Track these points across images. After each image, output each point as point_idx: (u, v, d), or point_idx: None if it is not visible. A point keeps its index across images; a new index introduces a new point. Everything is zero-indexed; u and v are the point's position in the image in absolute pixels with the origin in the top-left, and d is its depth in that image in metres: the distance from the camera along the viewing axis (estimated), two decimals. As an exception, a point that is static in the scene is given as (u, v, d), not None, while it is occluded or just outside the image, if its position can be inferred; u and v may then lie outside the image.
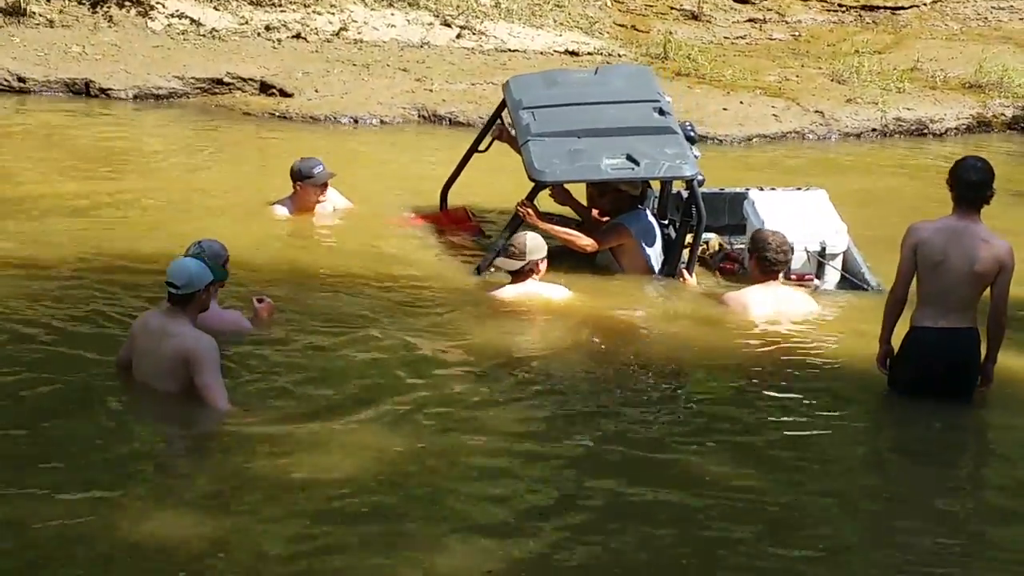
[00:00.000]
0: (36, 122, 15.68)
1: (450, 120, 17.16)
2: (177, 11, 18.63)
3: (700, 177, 11.10)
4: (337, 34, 18.77)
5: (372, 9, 19.55)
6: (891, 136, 18.23)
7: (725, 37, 21.02)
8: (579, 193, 12.04)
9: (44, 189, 12.85)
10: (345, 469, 7.61)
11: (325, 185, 12.30)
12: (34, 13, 17.89)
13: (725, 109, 17.81)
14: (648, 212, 11.58)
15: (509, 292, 10.52)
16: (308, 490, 7.32)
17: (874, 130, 18.06)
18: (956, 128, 18.57)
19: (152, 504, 7.12)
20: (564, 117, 11.56)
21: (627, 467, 7.94)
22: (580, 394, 9.08)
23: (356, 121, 16.91)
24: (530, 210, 10.95)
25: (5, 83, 16.84)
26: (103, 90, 16.81)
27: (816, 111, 18.11)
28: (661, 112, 11.59)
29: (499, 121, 12.19)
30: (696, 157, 11.13)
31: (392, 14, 19.53)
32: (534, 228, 11.08)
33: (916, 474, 8.45)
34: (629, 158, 11.05)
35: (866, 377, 9.23)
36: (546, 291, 10.57)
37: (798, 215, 11.44)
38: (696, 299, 11.02)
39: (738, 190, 12.38)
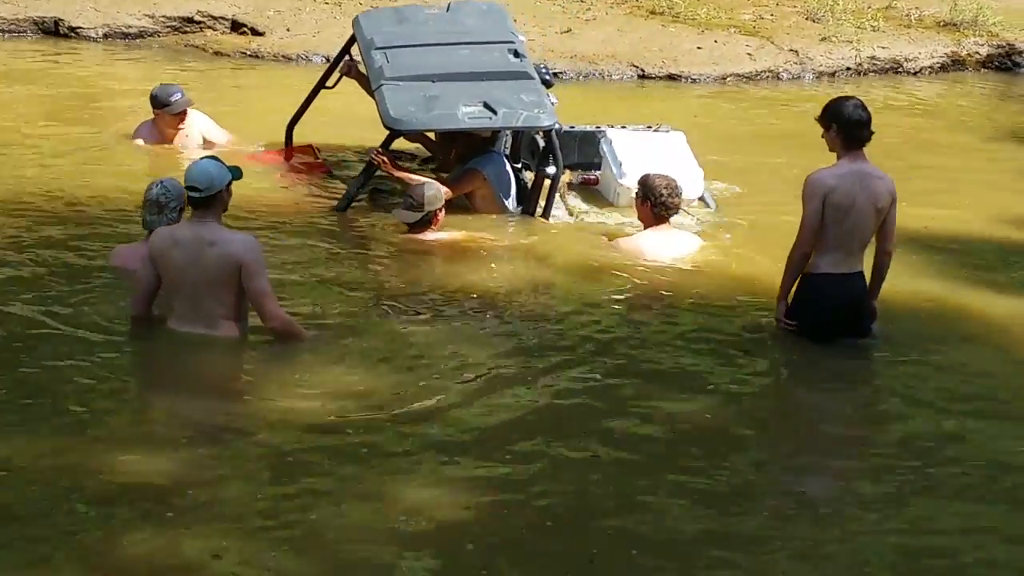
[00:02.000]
0: (4, 63, 15.67)
1: None
2: None
3: (558, 126, 11.17)
4: None
5: None
6: (866, 75, 18.35)
7: None
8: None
9: (13, 133, 12.88)
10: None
11: (183, 114, 12.16)
12: None
13: (699, 48, 17.89)
14: (502, 155, 11.66)
15: (429, 238, 10.63)
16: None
17: (848, 69, 18.25)
18: (931, 67, 18.79)
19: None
20: (418, 59, 11.51)
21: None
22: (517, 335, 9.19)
23: (328, 60, 16.31)
24: (384, 158, 11.01)
25: None
26: (72, 28, 16.73)
27: (791, 50, 18.22)
28: (516, 55, 11.62)
29: (347, 57, 12.16)
30: (553, 103, 11.17)
31: None
32: (388, 175, 11.21)
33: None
34: (486, 106, 11.04)
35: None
36: (447, 238, 10.70)
37: (655, 158, 11.55)
38: (591, 243, 11.10)
39: (590, 128, 12.48)
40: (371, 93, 11.25)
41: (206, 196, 8.10)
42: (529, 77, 11.32)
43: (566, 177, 11.77)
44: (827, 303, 8.67)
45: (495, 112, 10.91)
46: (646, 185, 10.69)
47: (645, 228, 10.73)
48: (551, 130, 10.98)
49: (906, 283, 9.97)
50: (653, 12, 19.01)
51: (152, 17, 17.30)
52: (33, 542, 6.18)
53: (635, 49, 17.90)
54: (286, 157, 12.21)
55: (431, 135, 11.85)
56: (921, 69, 18.63)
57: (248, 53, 17.00)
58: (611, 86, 17.30)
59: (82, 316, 8.69)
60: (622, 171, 11.49)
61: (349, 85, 12.02)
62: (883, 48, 18.57)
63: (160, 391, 8.28)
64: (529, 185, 11.39)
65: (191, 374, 8.41)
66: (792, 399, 8.91)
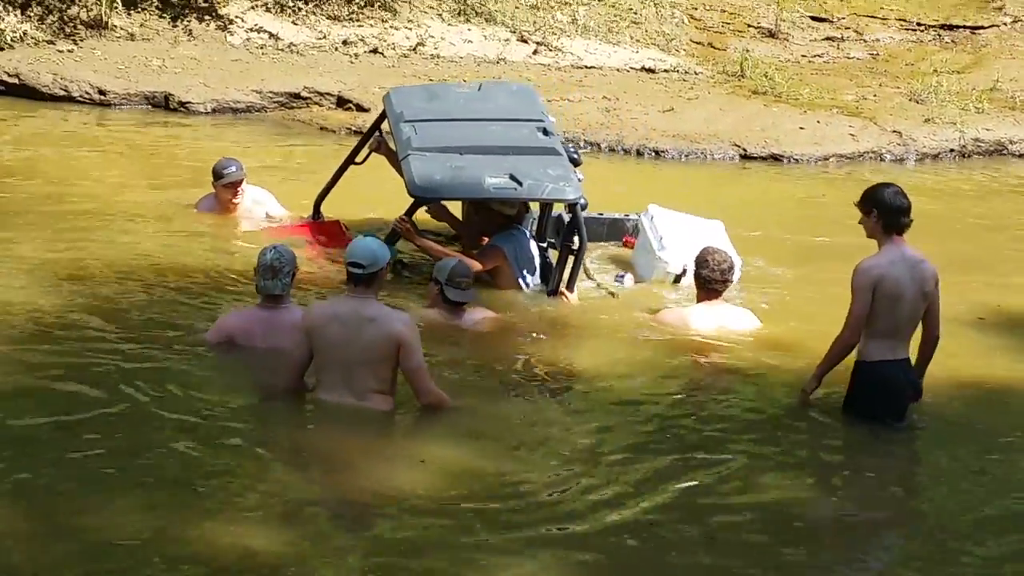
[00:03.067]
0: (116, 135, 15.84)
1: None
2: (256, 25, 18.79)
3: (583, 201, 11.16)
4: (414, 49, 18.84)
5: (449, 25, 19.55)
6: (969, 157, 18.12)
7: (803, 55, 21.01)
8: (456, 211, 12.12)
9: (123, 198, 13.02)
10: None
11: (236, 185, 12.25)
12: (115, 26, 18.07)
13: (802, 128, 17.76)
14: (525, 233, 11.58)
15: (470, 320, 10.53)
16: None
17: (952, 150, 18.00)
18: None
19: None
20: (446, 132, 11.47)
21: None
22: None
23: None
24: (408, 226, 10.89)
25: (86, 96, 17.01)
26: (182, 103, 16.89)
27: (894, 131, 18.04)
28: (545, 132, 11.56)
29: (377, 133, 12.10)
30: (580, 180, 11.13)
31: (469, 30, 19.53)
32: (411, 243, 11.11)
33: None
34: (512, 178, 10.95)
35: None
36: (485, 317, 10.62)
37: (693, 237, 11.55)
38: (636, 315, 11.05)
39: (618, 215, 12.48)
40: (399, 169, 11.28)
41: (368, 273, 8.22)
42: (557, 153, 11.31)
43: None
44: (894, 390, 8.66)
45: (520, 183, 10.86)
46: (696, 258, 10.73)
47: (698, 301, 10.75)
48: (576, 204, 10.95)
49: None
50: (755, 92, 18.95)
51: (260, 93, 17.41)
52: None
53: (737, 129, 17.81)
54: (311, 230, 12.22)
55: (457, 214, 11.91)
56: (1029, 151, 18.45)
57: (353, 129, 16.86)
58: (713, 166, 17.25)
59: (200, 383, 8.83)
60: (662, 245, 11.55)
61: (378, 160, 12.08)
62: (987, 130, 18.35)
63: (294, 462, 8.37)
64: (554, 263, 11.38)
65: (332, 446, 8.48)
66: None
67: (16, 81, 17.10)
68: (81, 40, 17.86)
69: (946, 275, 9.62)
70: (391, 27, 19.16)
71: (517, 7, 20.56)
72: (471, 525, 7.29)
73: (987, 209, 15.66)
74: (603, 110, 17.77)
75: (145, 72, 17.15)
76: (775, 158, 17.29)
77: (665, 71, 19.40)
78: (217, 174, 12.15)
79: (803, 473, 8.50)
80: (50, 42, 17.69)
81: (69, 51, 17.62)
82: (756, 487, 8.14)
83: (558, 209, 11.77)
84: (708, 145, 17.36)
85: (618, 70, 19.38)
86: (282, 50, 18.47)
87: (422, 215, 11.42)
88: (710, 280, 10.63)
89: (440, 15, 19.87)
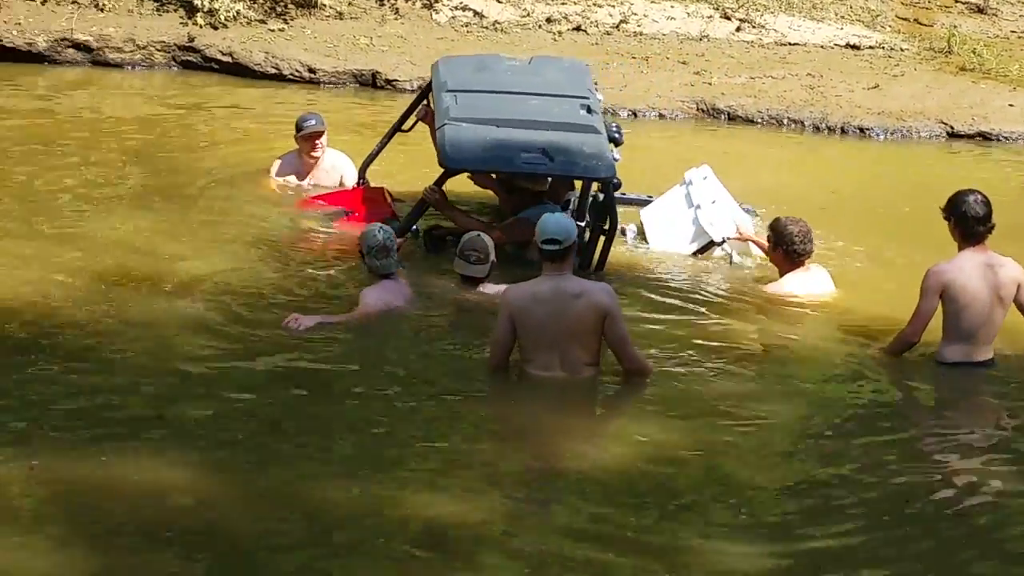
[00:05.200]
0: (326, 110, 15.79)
1: (728, 114, 17.16)
2: (461, 4, 18.96)
3: (616, 181, 11.09)
4: (617, 27, 18.89)
5: (652, 2, 19.49)
6: None
7: (1012, 31, 20.64)
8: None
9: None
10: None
11: (314, 138, 12.36)
12: (325, 5, 18.41)
13: (1011, 105, 17.56)
14: (558, 208, 11.21)
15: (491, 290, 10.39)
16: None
17: None
18: None
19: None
20: (487, 104, 11.42)
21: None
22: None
23: (635, 114, 16.95)
24: (437, 196, 10.98)
25: (296, 74, 17.33)
26: (388, 81, 17.11)
27: None
28: (588, 110, 11.44)
29: (425, 102, 12.05)
30: (616, 160, 11.04)
31: (672, 7, 19.50)
32: (439, 212, 11.13)
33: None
34: (544, 153, 10.86)
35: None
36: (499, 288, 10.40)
37: (733, 213, 11.81)
38: (736, 289, 11.19)
39: (641, 196, 12.50)
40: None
41: (565, 248, 8.41)
42: (596, 131, 11.22)
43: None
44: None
45: (552, 159, 10.80)
46: (778, 233, 10.83)
47: (780, 274, 10.89)
48: (608, 184, 10.91)
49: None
50: (963, 68, 18.82)
51: None
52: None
53: (944, 106, 17.72)
54: (357, 198, 12.27)
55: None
56: None
57: None
58: (919, 144, 17.20)
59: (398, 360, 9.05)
60: (709, 209, 11.70)
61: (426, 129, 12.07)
62: None
63: (509, 437, 8.55)
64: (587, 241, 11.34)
65: (552, 421, 8.68)
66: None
67: (230, 59, 17.51)
68: (292, 19, 18.21)
69: None
70: (594, 4, 19.23)
71: None
72: (671, 512, 7.34)
73: None
74: (807, 87, 17.80)
75: (353, 50, 17.45)
76: (983, 136, 17.10)
77: (870, 47, 19.33)
78: (298, 126, 12.38)
79: None
80: (262, 21, 18.05)
81: (280, 30, 17.98)
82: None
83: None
84: (914, 123, 17.26)
85: (822, 47, 19.32)
86: (486, 28, 18.57)
87: (463, 183, 11.58)
88: (802, 252, 10.77)
89: None
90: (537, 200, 11.32)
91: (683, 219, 11.84)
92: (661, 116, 17.13)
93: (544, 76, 12.04)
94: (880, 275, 11.62)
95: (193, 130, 15.05)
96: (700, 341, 9.92)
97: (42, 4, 18.06)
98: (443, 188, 10.97)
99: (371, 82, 17.35)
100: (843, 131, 17.18)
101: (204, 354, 8.97)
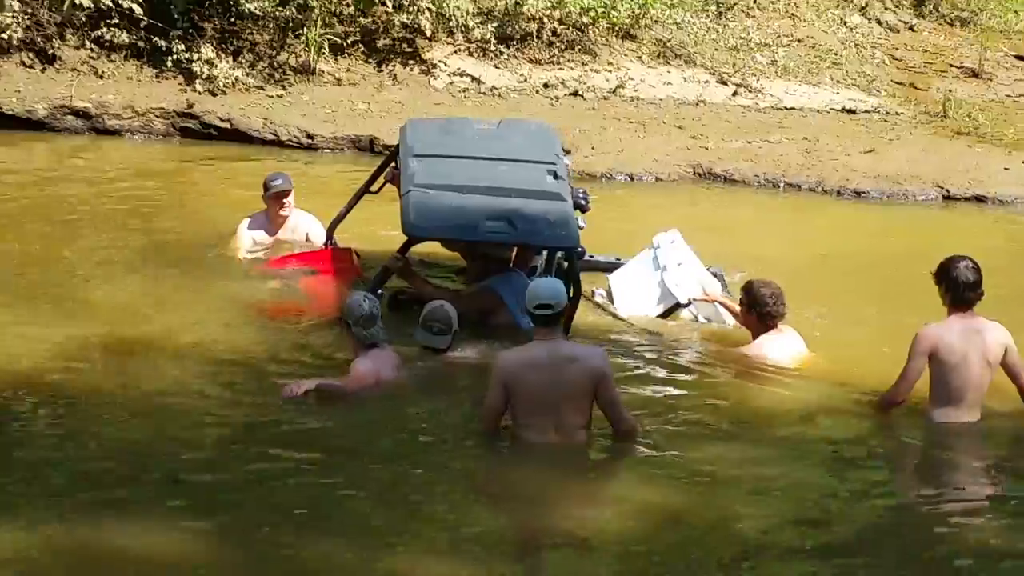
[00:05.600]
0: (321, 177, 16.24)
1: (725, 178, 17.26)
2: (459, 69, 19.06)
3: (580, 249, 11.05)
4: (614, 91, 19.03)
5: (648, 67, 19.78)
6: None
7: (1007, 95, 21.04)
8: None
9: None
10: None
11: (281, 197, 12.47)
12: (323, 72, 18.56)
13: (1007, 169, 17.77)
14: (523, 276, 11.33)
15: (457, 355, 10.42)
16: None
17: None
18: None
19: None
20: (452, 170, 11.31)
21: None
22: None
23: (631, 178, 17.07)
24: (400, 264, 10.94)
25: (294, 140, 17.45)
26: (386, 146, 16.91)
27: None
28: (555, 176, 11.33)
29: (393, 163, 12.03)
30: (581, 227, 11.04)
31: (668, 72, 19.74)
32: (405, 280, 11.12)
33: None
34: (508, 221, 10.76)
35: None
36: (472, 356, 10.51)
37: (700, 278, 11.85)
38: (716, 353, 11.16)
39: (610, 258, 12.55)
40: None
41: (557, 312, 8.52)
42: (561, 199, 11.10)
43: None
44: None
45: (516, 227, 10.72)
46: (751, 294, 10.83)
47: (754, 336, 10.90)
48: (571, 252, 10.93)
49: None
50: (959, 132, 19.00)
51: None
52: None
53: (940, 169, 17.89)
54: (325, 258, 12.29)
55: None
56: None
57: None
58: (915, 207, 17.28)
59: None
60: (675, 271, 11.71)
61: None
62: None
63: (502, 502, 8.53)
64: None
65: (550, 486, 8.65)
66: None
67: (228, 125, 17.61)
68: (290, 85, 18.36)
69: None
70: (591, 70, 19.38)
71: (716, 49, 20.77)
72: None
73: None
74: (803, 151, 17.97)
75: (351, 116, 17.58)
76: (979, 199, 17.23)
77: (866, 112, 19.61)
78: (265, 186, 12.53)
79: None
80: (260, 88, 18.20)
81: (278, 96, 18.15)
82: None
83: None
84: (910, 186, 17.38)
85: (818, 111, 19.61)
86: (484, 93, 18.71)
87: (434, 245, 11.69)
88: (775, 315, 10.79)
89: (640, 57, 20.06)
90: (503, 268, 11.43)
91: (650, 281, 11.94)
92: (658, 179, 17.20)
93: (511, 141, 12.01)
94: (858, 336, 11.71)
95: (189, 196, 15.17)
96: (687, 405, 9.97)
97: (41, 72, 18.06)
98: (407, 255, 10.95)
99: (369, 147, 17.40)
100: (839, 194, 17.29)
101: (199, 419, 9.00)
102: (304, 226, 12.71)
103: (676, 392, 10.33)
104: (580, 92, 19.02)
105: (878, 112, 19.67)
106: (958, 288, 9.29)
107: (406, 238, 10.80)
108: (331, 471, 8.51)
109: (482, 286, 11.30)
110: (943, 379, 9.21)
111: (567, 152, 13.17)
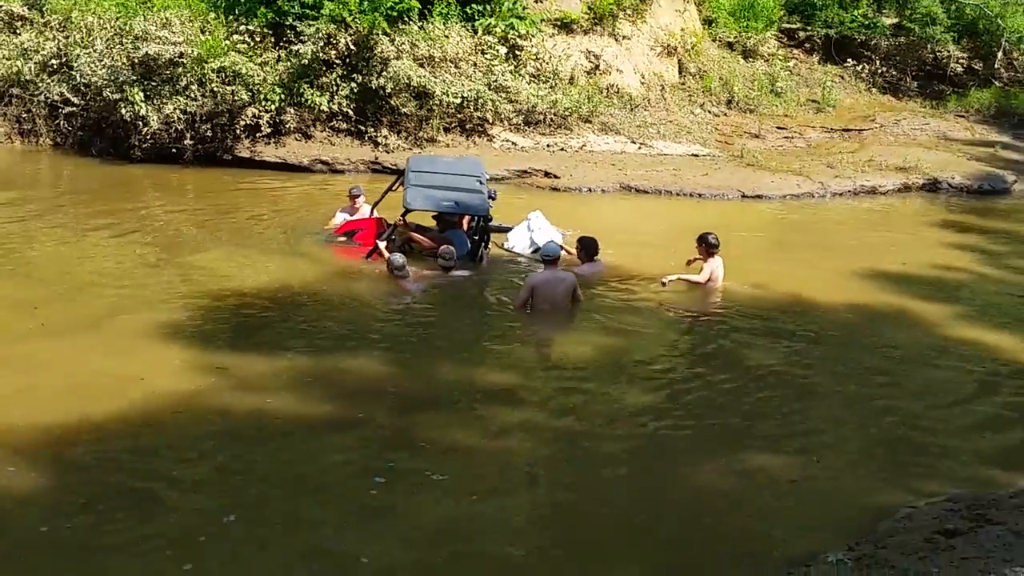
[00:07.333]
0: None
1: (636, 190, 23.06)
2: (506, 139, 25.61)
3: (489, 217, 14.49)
4: (581, 148, 25.61)
5: (597, 135, 26.50)
6: (857, 195, 24.24)
7: (773, 146, 27.94)
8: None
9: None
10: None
11: (355, 197, 16.93)
12: (440, 140, 24.45)
13: (772, 181, 23.99)
14: (462, 232, 15.11)
15: (457, 273, 13.19)
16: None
17: (848, 191, 24.29)
18: (893, 190, 24.81)
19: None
20: (431, 178, 14.69)
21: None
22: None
23: (590, 190, 23.18)
24: (403, 224, 14.33)
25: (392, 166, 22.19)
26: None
27: (819, 182, 24.35)
28: (480, 182, 14.98)
29: (402, 176, 15.45)
30: (490, 207, 14.45)
31: (607, 138, 26.53)
32: (405, 233, 14.64)
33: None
34: (456, 203, 14.21)
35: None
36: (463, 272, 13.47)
37: (546, 233, 15.50)
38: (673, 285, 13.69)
39: (503, 224, 16.10)
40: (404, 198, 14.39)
41: (555, 259, 12.07)
42: (481, 193, 14.74)
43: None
44: None
45: (458, 205, 14.32)
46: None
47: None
48: (484, 217, 14.55)
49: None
50: (749, 164, 25.19)
51: (508, 169, 23.83)
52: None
53: (739, 183, 23.62)
54: (368, 224, 15.94)
55: (434, 216, 15.48)
56: (887, 191, 24.62)
57: (553, 188, 23.32)
58: (726, 202, 22.37)
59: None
60: (536, 230, 15.40)
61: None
62: (868, 180, 24.63)
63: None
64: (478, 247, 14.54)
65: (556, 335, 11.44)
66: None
67: (393, 166, 23.09)
68: (421, 149, 24.25)
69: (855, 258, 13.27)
70: (569, 137, 26.02)
71: (630, 126, 27.18)
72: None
73: (860, 220, 20.94)
74: (672, 175, 23.78)
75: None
76: (758, 197, 23.16)
77: (703, 155, 25.86)
78: (350, 194, 17.20)
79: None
80: (409, 148, 23.93)
81: (417, 152, 23.21)
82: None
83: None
84: (724, 191, 23.12)
85: (680, 156, 25.76)
86: (516, 151, 24.99)
87: (424, 216, 15.04)
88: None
89: (593, 131, 26.59)
90: (453, 226, 15.15)
91: (525, 235, 15.74)
92: (603, 191, 23.03)
93: (460, 165, 15.57)
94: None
95: (370, 198, 18.32)
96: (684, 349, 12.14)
97: (306, 141, 24.32)
98: (407, 220, 14.57)
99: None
100: (689, 195, 23.12)
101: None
102: (365, 211, 16.97)
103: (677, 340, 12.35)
104: (565, 148, 25.41)
105: (709, 156, 25.83)
106: (709, 245, 12.40)
107: (404, 210, 14.40)
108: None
109: (442, 236, 15.15)
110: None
111: (492, 178, 16.46)
